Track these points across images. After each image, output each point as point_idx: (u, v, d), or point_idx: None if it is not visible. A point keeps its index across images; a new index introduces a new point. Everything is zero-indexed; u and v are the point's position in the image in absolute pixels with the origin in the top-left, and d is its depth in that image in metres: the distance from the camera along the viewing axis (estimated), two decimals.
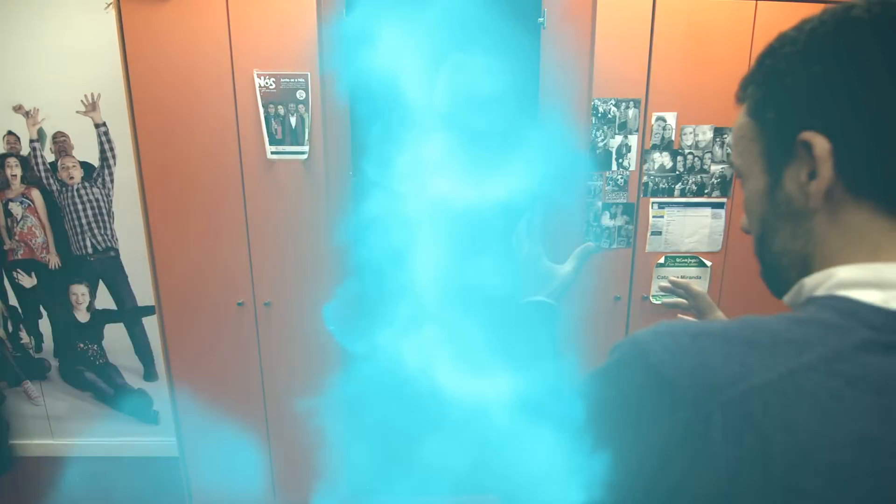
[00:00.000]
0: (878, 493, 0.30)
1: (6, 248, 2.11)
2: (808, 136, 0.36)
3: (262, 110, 1.55)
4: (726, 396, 0.32)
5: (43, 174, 2.02)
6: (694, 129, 1.64)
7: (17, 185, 2.04)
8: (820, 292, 0.38)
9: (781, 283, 0.44)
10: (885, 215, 0.35)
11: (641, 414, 0.36)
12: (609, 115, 1.63)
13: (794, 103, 0.38)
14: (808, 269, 0.40)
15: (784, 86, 0.38)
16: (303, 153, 1.58)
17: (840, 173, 0.36)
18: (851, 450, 0.30)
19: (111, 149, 2.00)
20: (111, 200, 2.06)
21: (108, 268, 2.12)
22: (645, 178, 1.68)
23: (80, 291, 2.14)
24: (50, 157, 2.01)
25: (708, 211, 1.71)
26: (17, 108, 1.97)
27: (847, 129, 0.35)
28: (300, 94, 1.54)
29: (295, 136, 1.57)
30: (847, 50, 0.34)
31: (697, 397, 0.33)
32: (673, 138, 1.65)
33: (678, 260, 1.74)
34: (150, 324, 2.19)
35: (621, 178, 1.67)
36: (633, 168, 1.67)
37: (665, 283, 0.93)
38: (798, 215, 0.40)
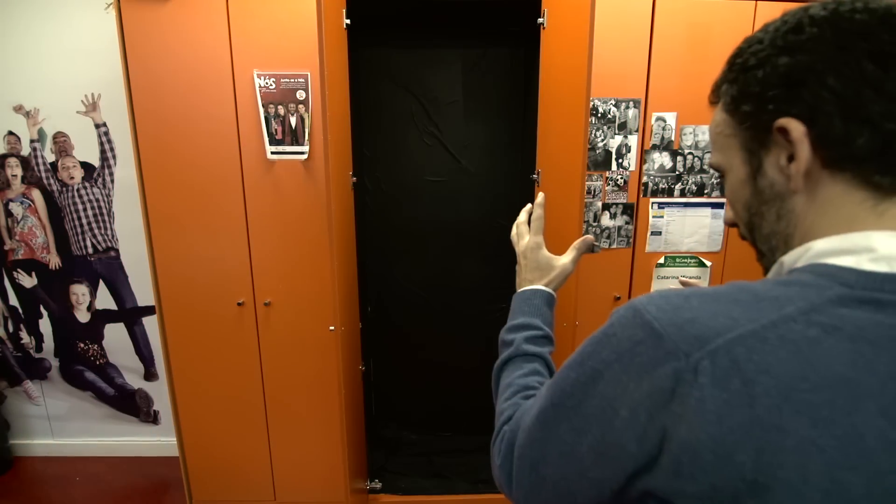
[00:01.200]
0: (855, 431, 0.32)
1: (7, 248, 2.11)
2: (784, 122, 0.40)
3: (262, 110, 1.55)
4: (713, 345, 0.36)
5: (43, 174, 2.02)
6: (694, 129, 1.64)
7: (17, 185, 2.04)
8: (799, 265, 0.41)
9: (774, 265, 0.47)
10: (858, 187, 0.39)
11: (635, 365, 0.39)
12: (609, 115, 1.63)
13: (767, 94, 0.41)
14: (790, 248, 0.44)
15: (757, 80, 0.42)
16: (303, 153, 1.58)
17: (816, 152, 0.40)
18: (829, 391, 0.33)
19: (111, 149, 2.00)
20: (111, 200, 2.06)
21: (108, 268, 2.12)
22: (645, 178, 1.68)
23: (80, 291, 2.14)
24: (50, 158, 2.01)
25: (708, 211, 1.71)
26: (18, 109, 1.97)
27: (818, 112, 0.39)
28: (300, 94, 1.54)
29: (295, 136, 1.57)
30: (810, 42, 0.39)
31: (688, 347, 0.36)
32: (673, 138, 1.65)
33: (678, 260, 1.74)
34: (150, 324, 2.19)
35: (621, 178, 1.68)
36: (633, 168, 1.67)
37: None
38: (781, 198, 0.43)
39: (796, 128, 0.40)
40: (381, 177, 2.05)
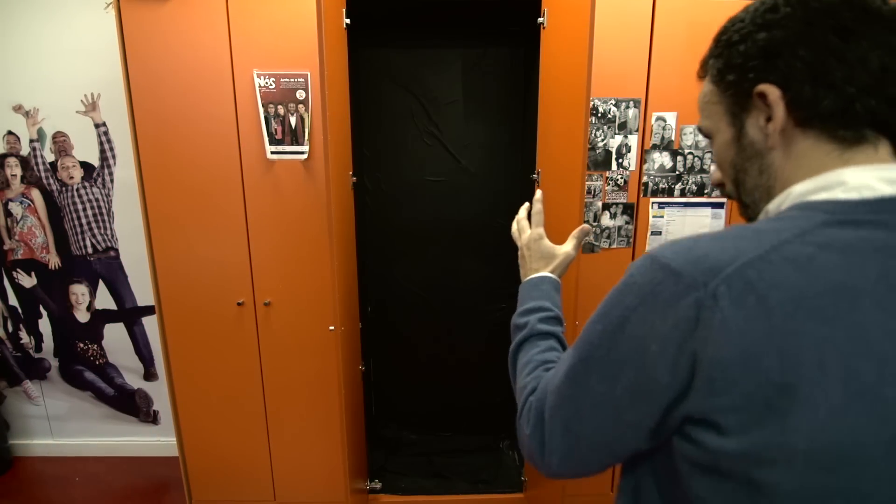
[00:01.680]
0: (858, 325, 0.38)
1: (6, 248, 2.11)
2: (763, 87, 0.47)
3: (261, 110, 1.55)
4: (727, 272, 0.41)
5: (43, 174, 2.02)
6: (694, 129, 1.64)
7: (17, 185, 2.04)
8: (784, 207, 0.48)
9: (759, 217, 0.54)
10: (826, 140, 0.46)
11: (659, 304, 0.43)
12: (609, 115, 1.63)
13: (748, 65, 0.49)
14: (772, 198, 0.50)
15: (739, 53, 0.49)
16: (303, 153, 1.58)
17: (790, 113, 0.47)
18: (831, 295, 0.39)
19: (111, 149, 2.00)
20: (111, 200, 2.06)
21: (107, 268, 2.12)
22: (645, 178, 1.68)
23: (80, 291, 2.14)
24: (50, 157, 2.01)
25: (708, 211, 1.71)
26: (17, 108, 1.97)
27: (791, 79, 0.46)
28: (300, 94, 1.54)
29: (295, 136, 1.57)
30: (784, 20, 0.46)
31: (704, 278, 0.41)
32: (673, 138, 1.65)
33: None
34: (150, 324, 2.19)
35: (621, 178, 1.68)
36: (633, 168, 1.67)
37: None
38: (761, 154, 0.51)
39: (773, 92, 0.47)
40: (381, 177, 2.05)
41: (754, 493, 0.40)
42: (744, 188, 0.54)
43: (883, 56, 0.43)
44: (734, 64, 0.51)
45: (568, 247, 0.79)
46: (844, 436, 0.38)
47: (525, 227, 0.83)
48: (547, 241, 0.80)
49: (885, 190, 0.43)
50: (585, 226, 0.82)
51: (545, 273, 0.77)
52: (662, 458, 0.48)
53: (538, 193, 0.82)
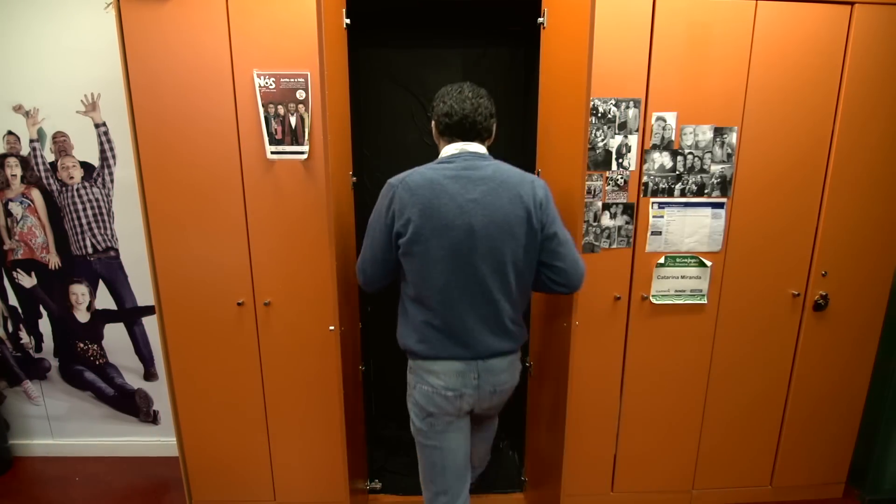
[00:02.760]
0: (441, 195, 1.21)
1: (6, 248, 2.11)
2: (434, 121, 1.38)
3: (261, 110, 1.55)
4: (401, 179, 1.22)
5: (43, 174, 2.02)
6: (694, 129, 1.64)
7: (17, 185, 2.04)
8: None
9: None
10: (448, 141, 1.32)
11: (383, 195, 1.28)
12: (609, 115, 1.63)
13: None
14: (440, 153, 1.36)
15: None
16: (303, 153, 1.58)
17: (437, 130, 1.33)
18: (429, 186, 1.20)
19: (111, 149, 2.00)
20: (111, 200, 2.06)
21: (107, 268, 2.12)
22: (645, 178, 1.68)
23: (80, 291, 2.14)
24: (50, 157, 2.01)
25: (708, 211, 1.71)
26: (17, 108, 1.97)
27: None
28: (300, 94, 1.54)
29: (295, 136, 1.57)
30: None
31: (395, 182, 1.23)
32: (673, 138, 1.65)
33: (678, 260, 1.74)
34: (150, 324, 2.19)
35: (621, 178, 1.67)
36: (633, 168, 1.67)
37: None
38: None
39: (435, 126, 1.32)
40: (381, 176, 2.03)
41: (412, 257, 1.22)
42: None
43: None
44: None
45: None
46: (430, 243, 1.19)
47: None
48: None
49: (451, 151, 1.26)
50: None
51: None
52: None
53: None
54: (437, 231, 1.17)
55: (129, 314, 2.18)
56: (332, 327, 1.40)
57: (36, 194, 2.05)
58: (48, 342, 2.21)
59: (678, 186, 1.69)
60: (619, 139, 1.64)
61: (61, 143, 2.00)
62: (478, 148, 1.27)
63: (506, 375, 1.32)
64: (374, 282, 1.30)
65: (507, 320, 1.27)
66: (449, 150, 1.26)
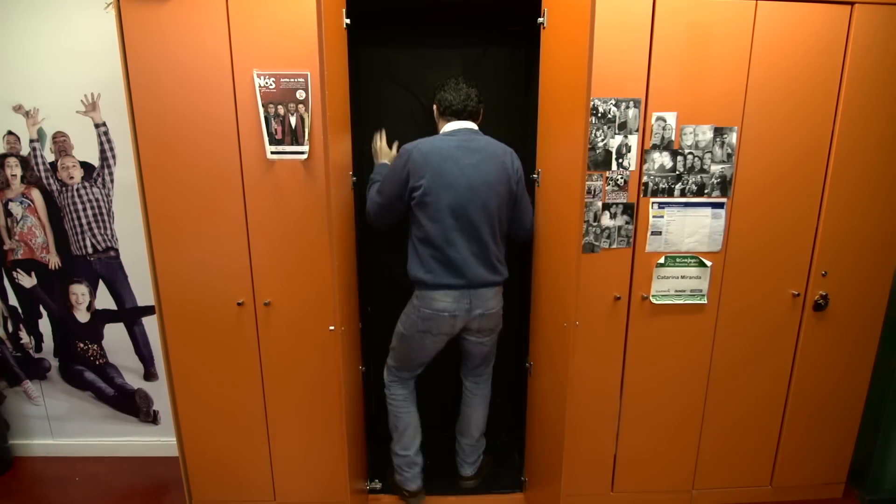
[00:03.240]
0: (447, 162, 1.60)
1: (6, 248, 2.11)
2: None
3: (261, 110, 1.55)
4: (415, 145, 1.60)
5: (43, 174, 2.02)
6: (694, 129, 1.64)
7: (17, 185, 2.04)
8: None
9: None
10: (447, 120, 1.72)
11: (398, 157, 1.66)
12: (609, 115, 1.63)
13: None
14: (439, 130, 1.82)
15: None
16: (303, 153, 1.58)
17: (439, 110, 1.75)
18: (438, 152, 1.60)
19: (111, 149, 2.00)
20: (111, 200, 2.06)
21: (107, 268, 2.12)
22: (645, 178, 1.68)
23: (80, 291, 2.14)
24: (50, 157, 2.01)
25: (708, 211, 1.71)
26: (17, 108, 1.97)
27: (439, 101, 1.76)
28: (300, 94, 1.54)
29: (295, 136, 1.57)
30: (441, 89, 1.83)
31: (410, 147, 1.62)
32: (673, 138, 1.65)
33: (678, 260, 1.74)
34: (150, 324, 2.19)
35: (621, 178, 1.67)
36: (633, 168, 1.67)
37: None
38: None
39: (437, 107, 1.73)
40: None
41: (423, 207, 1.60)
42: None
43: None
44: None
45: (393, 150, 1.84)
46: (438, 196, 1.58)
47: (376, 139, 1.84)
48: (386, 147, 1.84)
49: (453, 128, 1.67)
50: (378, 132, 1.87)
51: (384, 161, 1.81)
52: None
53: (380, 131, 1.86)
54: (444, 187, 1.57)
55: (129, 314, 2.18)
56: (332, 327, 1.40)
57: (36, 194, 2.05)
58: (48, 342, 2.21)
59: (678, 186, 1.69)
60: (619, 139, 1.64)
61: (61, 143, 2.00)
62: (472, 125, 1.68)
63: (493, 302, 1.70)
64: (381, 221, 1.71)
65: (494, 258, 1.66)
66: (450, 126, 1.67)
